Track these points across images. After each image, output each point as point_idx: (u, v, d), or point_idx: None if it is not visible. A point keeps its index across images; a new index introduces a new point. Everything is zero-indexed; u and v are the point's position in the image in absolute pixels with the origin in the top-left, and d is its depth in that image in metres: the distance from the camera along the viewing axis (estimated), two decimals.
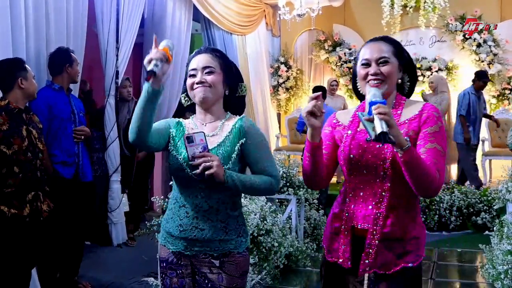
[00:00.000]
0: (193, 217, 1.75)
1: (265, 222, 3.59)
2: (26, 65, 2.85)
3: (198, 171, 1.60)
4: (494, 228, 3.97)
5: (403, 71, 1.76)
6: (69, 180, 3.35)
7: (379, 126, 1.45)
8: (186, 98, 1.86)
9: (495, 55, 7.09)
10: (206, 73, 1.76)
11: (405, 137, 1.53)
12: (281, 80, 8.13)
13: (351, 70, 7.91)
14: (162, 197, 3.25)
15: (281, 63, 8.18)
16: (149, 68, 1.59)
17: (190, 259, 1.78)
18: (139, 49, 5.49)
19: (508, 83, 7.09)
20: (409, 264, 1.68)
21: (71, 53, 3.43)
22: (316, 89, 6.74)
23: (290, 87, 8.22)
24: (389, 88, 1.71)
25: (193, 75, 1.78)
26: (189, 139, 1.62)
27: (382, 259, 1.66)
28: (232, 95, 1.83)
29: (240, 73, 1.89)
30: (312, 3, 6.53)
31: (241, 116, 1.84)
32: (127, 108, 4.70)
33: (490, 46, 7.08)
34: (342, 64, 7.96)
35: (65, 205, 3.24)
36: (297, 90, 8.34)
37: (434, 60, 7.49)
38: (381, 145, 1.58)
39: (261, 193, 1.82)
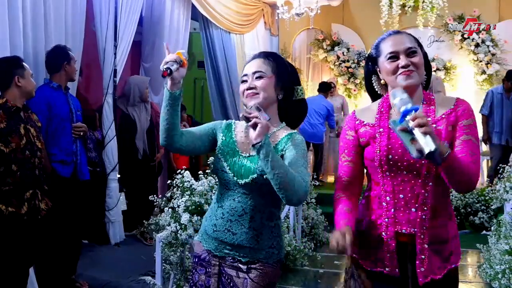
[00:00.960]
0: (227, 220, 1.74)
1: None
2: (24, 63, 2.84)
3: (250, 123, 1.53)
4: (492, 228, 3.96)
5: None
6: (68, 179, 3.34)
7: (425, 144, 1.35)
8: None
9: (493, 55, 7.11)
10: (256, 78, 1.74)
11: (443, 140, 1.49)
12: None
13: (349, 69, 7.92)
14: (160, 196, 3.24)
15: None
16: (163, 67, 1.62)
17: (219, 259, 1.78)
18: (138, 48, 5.48)
19: None
20: (454, 265, 1.63)
21: (69, 51, 3.42)
22: (322, 85, 6.84)
23: None
24: (420, 79, 1.64)
25: (245, 81, 1.77)
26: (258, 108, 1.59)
27: (435, 264, 1.59)
28: (288, 100, 1.74)
29: (297, 76, 1.84)
30: (310, 3, 6.52)
31: (292, 131, 1.78)
32: (145, 109, 4.74)
33: (488, 46, 7.09)
34: (340, 64, 7.96)
35: (64, 204, 3.23)
36: None
37: (433, 60, 7.49)
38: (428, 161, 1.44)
39: (292, 183, 1.54)
